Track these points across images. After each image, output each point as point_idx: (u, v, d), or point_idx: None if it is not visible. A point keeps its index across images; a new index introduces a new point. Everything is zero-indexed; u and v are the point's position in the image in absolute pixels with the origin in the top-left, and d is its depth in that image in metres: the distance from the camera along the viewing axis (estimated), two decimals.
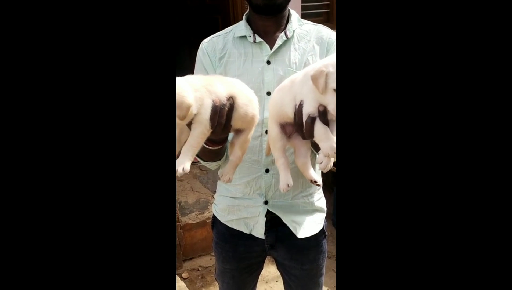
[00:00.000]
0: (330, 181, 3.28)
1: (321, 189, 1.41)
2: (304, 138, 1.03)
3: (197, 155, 1.26)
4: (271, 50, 1.23)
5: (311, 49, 1.25)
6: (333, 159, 1.02)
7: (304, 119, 1.00)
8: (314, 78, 0.97)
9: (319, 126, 1.00)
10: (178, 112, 0.94)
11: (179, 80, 0.99)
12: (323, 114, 0.99)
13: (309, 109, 1.00)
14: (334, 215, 3.17)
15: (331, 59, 0.98)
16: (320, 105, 0.99)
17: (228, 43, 1.27)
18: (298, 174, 1.21)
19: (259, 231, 1.32)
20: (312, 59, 1.24)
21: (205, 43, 1.30)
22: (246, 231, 1.35)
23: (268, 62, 1.23)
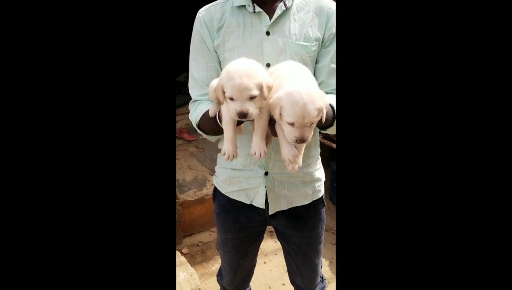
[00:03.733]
0: (328, 156, 3.31)
1: (319, 160, 1.44)
2: None
3: (200, 129, 1.27)
4: (270, 20, 1.22)
5: (310, 20, 1.23)
6: (296, 165, 1.07)
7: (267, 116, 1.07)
8: (271, 106, 1.02)
9: (279, 131, 1.05)
10: (266, 93, 1.00)
11: (259, 64, 1.04)
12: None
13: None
14: (331, 189, 3.23)
15: (292, 87, 1.00)
16: None
17: (226, 13, 1.25)
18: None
19: (259, 201, 1.36)
20: (312, 30, 1.23)
21: (202, 12, 1.27)
22: (247, 202, 1.38)
23: (268, 33, 1.22)
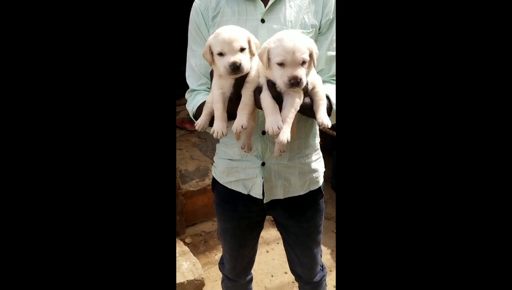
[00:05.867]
0: (329, 145, 3.30)
1: (319, 150, 1.43)
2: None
3: (197, 119, 1.27)
4: (265, 7, 1.20)
5: (306, 6, 1.21)
6: (285, 136, 0.98)
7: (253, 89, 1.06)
8: (260, 56, 1.01)
9: (264, 98, 1.02)
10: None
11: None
12: (272, 85, 1.01)
13: (259, 80, 1.06)
14: (333, 178, 3.23)
15: (277, 34, 1.01)
16: (269, 79, 1.02)
17: (221, 1, 1.24)
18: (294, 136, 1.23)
19: (257, 192, 1.36)
20: (308, 17, 1.21)
21: (197, 2, 1.27)
22: (245, 192, 1.38)
23: (263, 21, 1.21)
